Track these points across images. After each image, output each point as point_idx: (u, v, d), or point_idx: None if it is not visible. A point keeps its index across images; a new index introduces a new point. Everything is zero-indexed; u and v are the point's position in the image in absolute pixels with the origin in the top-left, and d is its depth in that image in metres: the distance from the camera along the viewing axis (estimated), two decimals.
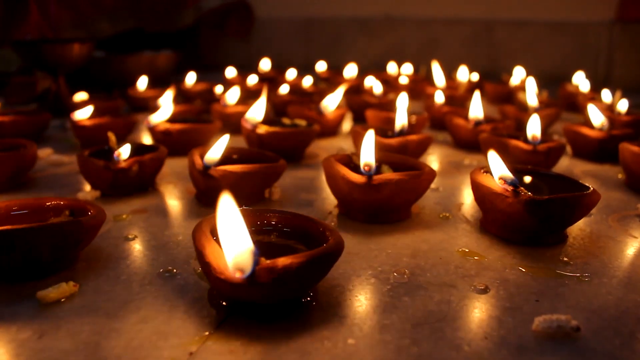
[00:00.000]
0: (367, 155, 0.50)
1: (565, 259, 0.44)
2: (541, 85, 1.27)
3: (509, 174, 0.47)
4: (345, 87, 0.87)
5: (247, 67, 1.63)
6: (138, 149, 0.60)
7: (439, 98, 0.97)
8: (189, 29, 1.67)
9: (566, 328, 0.33)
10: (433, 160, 0.76)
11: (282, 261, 0.32)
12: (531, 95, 0.94)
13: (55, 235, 0.38)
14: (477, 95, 0.81)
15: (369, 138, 0.51)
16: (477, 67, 1.57)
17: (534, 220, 0.44)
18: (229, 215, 0.33)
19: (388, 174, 0.49)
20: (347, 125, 1.00)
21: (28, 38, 1.21)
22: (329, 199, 0.57)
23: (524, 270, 0.42)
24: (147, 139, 0.85)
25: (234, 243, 0.32)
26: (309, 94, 1.12)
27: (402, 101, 0.77)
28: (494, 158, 0.48)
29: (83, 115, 0.77)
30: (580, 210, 0.46)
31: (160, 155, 0.59)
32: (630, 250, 0.46)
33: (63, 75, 1.08)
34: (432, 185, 0.62)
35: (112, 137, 0.61)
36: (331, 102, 0.85)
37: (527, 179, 0.53)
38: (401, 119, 0.68)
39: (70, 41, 1.06)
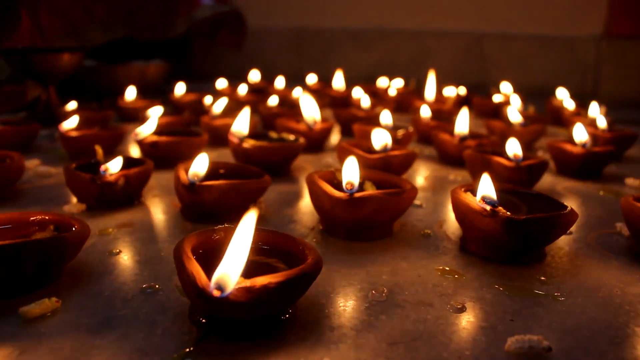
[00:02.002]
0: (350, 175, 0.51)
1: (543, 277, 0.45)
2: (529, 99, 1.29)
3: (490, 195, 0.47)
4: (316, 87, 0.87)
5: (238, 77, 1.64)
6: (125, 163, 0.61)
7: (425, 112, 0.98)
8: (181, 38, 1.67)
9: (538, 348, 0.34)
10: (418, 175, 0.77)
11: (260, 281, 0.32)
12: (514, 112, 0.95)
13: (39, 251, 0.38)
14: (464, 112, 0.82)
15: (351, 162, 0.52)
16: (467, 79, 1.59)
17: (512, 239, 0.45)
18: (244, 234, 0.34)
19: (369, 192, 0.49)
20: (335, 138, 1.01)
21: (19, 47, 1.22)
22: (313, 215, 0.57)
23: (501, 289, 0.43)
24: (135, 151, 0.86)
25: (231, 261, 0.33)
26: (298, 106, 1.13)
27: (386, 118, 0.78)
28: (485, 181, 0.49)
29: (70, 125, 0.77)
30: (558, 230, 0.47)
31: (147, 169, 0.60)
32: (606, 270, 0.47)
33: (53, 84, 1.08)
34: (416, 202, 0.63)
35: (99, 150, 0.61)
36: (314, 113, 0.85)
37: (508, 198, 0.54)
38: (383, 138, 0.68)
39: (60, 50, 1.07)
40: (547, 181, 0.74)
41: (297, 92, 1.26)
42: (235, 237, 0.35)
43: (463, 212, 0.48)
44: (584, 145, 0.76)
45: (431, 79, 1.28)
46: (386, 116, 0.85)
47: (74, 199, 0.60)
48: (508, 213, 0.46)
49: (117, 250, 0.48)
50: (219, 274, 0.32)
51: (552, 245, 0.52)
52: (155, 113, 0.86)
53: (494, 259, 0.47)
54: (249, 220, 0.36)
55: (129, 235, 0.51)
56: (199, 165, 0.54)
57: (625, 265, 0.48)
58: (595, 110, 1.04)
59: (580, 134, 0.77)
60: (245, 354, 0.33)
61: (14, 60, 1.05)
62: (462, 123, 0.81)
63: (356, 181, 0.50)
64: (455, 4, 1.75)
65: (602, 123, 0.91)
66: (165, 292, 0.41)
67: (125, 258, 0.47)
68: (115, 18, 1.46)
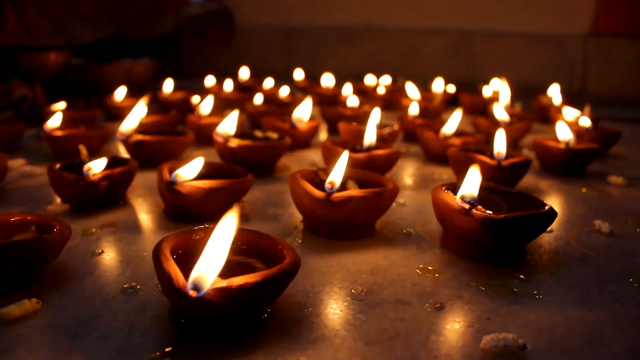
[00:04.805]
0: (335, 174, 0.51)
1: (522, 276, 0.45)
2: (517, 96, 1.30)
3: (470, 193, 0.48)
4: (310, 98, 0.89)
5: (228, 74, 1.64)
6: (109, 163, 0.61)
7: (412, 110, 0.98)
8: (170, 36, 1.67)
9: (512, 347, 0.34)
10: (403, 173, 0.77)
11: (237, 281, 0.33)
12: (500, 110, 0.95)
13: (19, 252, 0.39)
14: (457, 113, 0.82)
15: (343, 159, 0.52)
16: (455, 77, 1.59)
17: (491, 238, 0.46)
18: (223, 235, 0.35)
19: (350, 191, 0.50)
20: (322, 135, 1.01)
21: (4, 45, 1.21)
22: (296, 214, 0.58)
23: (480, 287, 0.43)
24: (121, 149, 0.86)
25: (208, 261, 0.33)
26: (285, 105, 1.13)
27: (374, 117, 0.78)
28: (471, 176, 0.49)
29: (54, 124, 0.77)
30: (537, 228, 0.48)
31: (131, 169, 0.60)
32: (584, 268, 0.48)
33: (40, 83, 1.08)
34: (400, 200, 0.63)
35: (83, 150, 0.61)
36: (303, 113, 0.86)
37: (488, 196, 0.54)
38: (370, 136, 0.69)
39: (46, 49, 1.06)
40: (531, 178, 0.75)
41: (285, 91, 1.26)
42: (213, 237, 0.35)
43: (443, 211, 0.49)
44: (567, 143, 0.77)
45: (409, 86, 1.28)
46: (376, 114, 0.85)
47: (58, 199, 0.60)
48: (487, 212, 0.46)
49: (100, 251, 0.48)
50: (195, 274, 0.33)
51: (532, 243, 0.52)
52: (139, 110, 0.86)
53: (474, 258, 0.48)
54: (228, 222, 0.36)
55: (112, 235, 0.52)
56: (191, 168, 0.54)
57: (603, 264, 0.49)
58: (572, 113, 1.03)
59: (563, 132, 0.77)
60: (224, 353, 0.34)
61: (0, 59, 1.04)
62: (452, 124, 0.81)
63: (338, 181, 0.50)
64: (443, 2, 1.76)
65: (585, 122, 0.91)
66: (145, 292, 0.41)
67: (108, 258, 0.47)
68: (102, 16, 1.46)
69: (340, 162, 0.52)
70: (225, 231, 0.35)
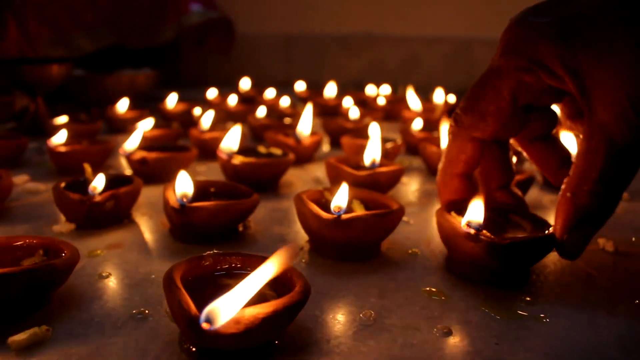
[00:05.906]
0: (339, 200, 0.51)
1: (528, 298, 0.46)
2: None
3: (476, 219, 0.48)
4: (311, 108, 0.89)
5: (228, 83, 1.65)
6: (114, 181, 0.61)
7: (416, 125, 0.99)
8: (170, 45, 1.67)
9: None
10: (406, 189, 0.77)
11: (249, 312, 0.33)
12: None
13: (28, 279, 0.39)
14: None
15: (343, 189, 0.52)
16: (455, 85, 1.59)
17: (497, 262, 0.46)
18: (257, 281, 0.35)
19: (357, 213, 0.50)
20: (325, 147, 1.01)
21: (6, 56, 1.21)
22: (301, 233, 0.58)
23: (486, 310, 0.43)
24: (124, 163, 0.86)
25: (231, 299, 0.33)
26: (287, 116, 1.14)
27: (375, 131, 0.78)
28: (475, 206, 0.49)
29: (59, 140, 0.77)
30: (543, 251, 0.48)
31: (136, 187, 0.60)
32: (590, 289, 0.48)
33: (42, 95, 1.08)
34: (404, 218, 0.63)
35: (87, 168, 0.62)
36: (305, 127, 0.86)
37: (492, 216, 0.54)
38: (372, 154, 0.69)
39: (49, 61, 1.06)
40: (534, 193, 0.75)
41: (285, 102, 1.26)
42: (247, 280, 0.35)
43: (447, 234, 0.49)
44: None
45: (411, 93, 1.28)
46: (375, 129, 0.85)
47: (63, 218, 0.60)
48: (492, 236, 0.46)
49: (107, 273, 0.48)
50: (210, 307, 0.33)
51: (538, 263, 0.52)
52: (144, 126, 0.86)
53: (479, 280, 0.48)
54: (266, 270, 0.35)
55: (118, 257, 0.52)
56: (184, 184, 0.54)
57: (609, 285, 0.49)
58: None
59: (568, 143, 0.77)
60: None
61: (1, 70, 1.04)
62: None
63: (344, 205, 0.51)
64: (443, 10, 1.76)
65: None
66: (155, 318, 0.41)
67: (115, 281, 0.47)
68: (103, 25, 1.46)
69: (341, 191, 0.52)
70: (259, 279, 0.35)
